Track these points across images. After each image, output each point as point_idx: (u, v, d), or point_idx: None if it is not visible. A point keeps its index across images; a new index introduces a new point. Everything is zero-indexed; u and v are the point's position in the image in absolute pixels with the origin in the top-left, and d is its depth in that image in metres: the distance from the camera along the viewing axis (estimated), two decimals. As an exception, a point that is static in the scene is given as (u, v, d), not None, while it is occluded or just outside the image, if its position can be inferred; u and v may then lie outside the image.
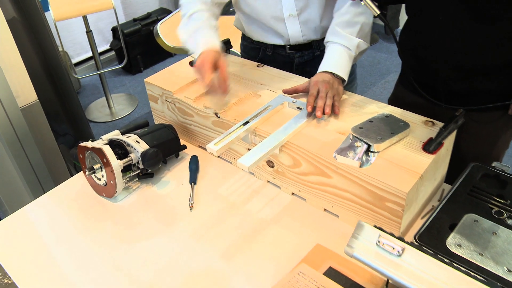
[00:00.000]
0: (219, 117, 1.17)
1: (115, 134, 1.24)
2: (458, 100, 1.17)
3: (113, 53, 3.83)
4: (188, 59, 1.44)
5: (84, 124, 2.55)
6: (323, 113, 1.10)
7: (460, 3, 1.04)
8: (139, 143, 1.19)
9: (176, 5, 4.17)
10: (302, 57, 1.45)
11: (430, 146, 0.99)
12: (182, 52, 1.98)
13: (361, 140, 1.00)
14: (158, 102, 1.37)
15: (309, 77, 1.33)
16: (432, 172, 1.01)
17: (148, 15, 3.68)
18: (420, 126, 1.07)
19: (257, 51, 1.49)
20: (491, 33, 1.05)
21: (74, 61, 3.65)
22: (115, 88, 3.51)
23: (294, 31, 1.38)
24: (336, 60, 1.21)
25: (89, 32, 3.01)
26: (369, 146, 0.99)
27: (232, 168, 1.24)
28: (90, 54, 3.68)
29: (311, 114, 1.11)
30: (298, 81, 1.28)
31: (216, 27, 1.30)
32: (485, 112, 1.17)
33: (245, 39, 1.53)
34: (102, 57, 3.78)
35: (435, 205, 1.08)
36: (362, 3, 1.06)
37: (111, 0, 2.78)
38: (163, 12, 3.76)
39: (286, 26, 1.37)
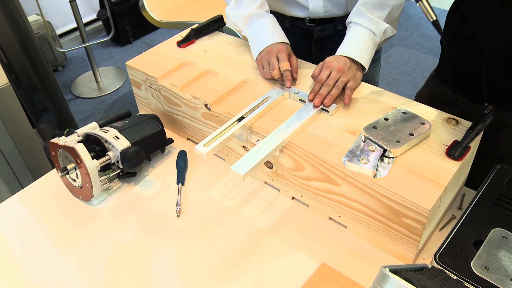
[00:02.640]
0: (209, 109, 1.02)
1: (92, 128, 1.09)
2: (501, 99, 1.03)
3: (100, 23, 3.62)
4: (175, 38, 1.28)
5: (62, 103, 2.37)
6: (323, 103, 0.96)
7: None
8: (118, 138, 1.04)
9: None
10: (323, 31, 1.30)
11: (455, 151, 0.85)
12: (170, 27, 1.81)
13: (375, 143, 0.85)
14: (142, 88, 1.21)
15: (329, 54, 1.21)
16: (456, 180, 0.87)
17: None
18: (442, 125, 0.92)
19: None
20: None
21: (59, 31, 3.43)
22: (103, 61, 3.32)
23: (316, 6, 1.24)
24: (358, 45, 1.06)
25: (72, 1, 2.81)
26: (384, 150, 0.84)
27: (224, 166, 1.10)
28: (75, 24, 3.47)
29: (317, 107, 0.96)
30: (301, 64, 1.12)
31: (269, 11, 1.21)
32: None
33: None
34: (88, 28, 3.57)
35: (455, 214, 0.95)
36: (418, 5, 0.91)
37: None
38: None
39: (308, 0, 1.23)
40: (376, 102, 0.99)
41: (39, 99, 2.22)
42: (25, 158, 1.52)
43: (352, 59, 1.04)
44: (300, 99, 1.00)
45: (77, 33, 3.51)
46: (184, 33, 1.28)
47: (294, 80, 1.07)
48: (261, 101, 0.98)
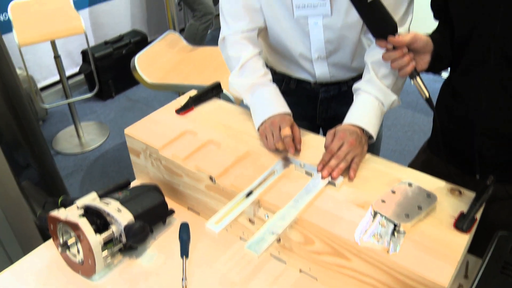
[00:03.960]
0: (215, 183, 1.02)
1: (91, 199, 1.07)
2: (494, 172, 1.06)
3: (82, 76, 3.62)
4: (173, 105, 1.29)
5: (47, 160, 2.33)
6: (330, 176, 0.97)
7: (508, 68, 0.95)
8: (120, 211, 1.02)
9: (149, 26, 4.00)
10: (328, 92, 1.34)
11: (463, 224, 0.87)
12: (161, 89, 1.83)
13: (386, 218, 0.86)
14: (141, 157, 1.20)
15: (333, 115, 1.28)
16: (465, 252, 0.88)
17: (120, 38, 3.50)
18: (446, 196, 0.94)
19: (279, 83, 1.34)
20: None
21: (40, 85, 3.42)
22: (84, 116, 3.30)
23: (322, 72, 1.29)
24: (368, 114, 1.09)
25: (57, 57, 2.81)
26: (395, 225, 0.85)
27: (228, 237, 1.09)
28: (58, 77, 3.46)
29: (324, 178, 0.97)
30: (304, 134, 1.14)
31: (272, 80, 1.24)
32: None
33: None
34: (70, 81, 3.57)
35: (462, 283, 0.96)
36: (412, 83, 0.95)
37: (82, 23, 2.59)
38: (136, 35, 3.59)
39: (314, 67, 1.28)
40: (380, 173, 1.01)
41: (22, 155, 2.18)
42: (13, 227, 1.46)
43: (363, 129, 1.06)
44: (306, 172, 1.01)
45: (59, 86, 3.51)
46: (183, 99, 1.29)
47: (297, 151, 1.08)
48: (267, 174, 0.99)
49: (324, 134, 1.52)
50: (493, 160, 1.07)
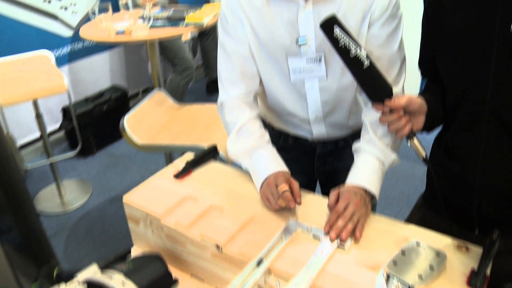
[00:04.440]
0: (221, 251, 1.00)
1: (93, 272, 1.03)
2: (493, 227, 1.08)
3: (62, 133, 3.58)
4: (169, 169, 1.28)
5: (33, 219, 2.26)
6: (339, 237, 0.97)
7: (501, 129, 0.99)
8: (125, 284, 0.99)
9: (129, 81, 4.02)
10: (325, 148, 1.37)
11: (476, 281, 0.87)
12: (152, 150, 1.83)
13: (401, 281, 0.86)
14: (140, 225, 1.18)
15: (330, 169, 1.33)
16: (479, 310, 0.88)
17: (101, 94, 3.50)
18: (454, 253, 0.95)
19: (277, 139, 1.38)
20: None
21: (19, 142, 3.36)
22: (65, 173, 3.24)
23: (319, 132, 1.32)
24: (370, 175, 1.12)
25: (39, 116, 2.78)
26: (410, 287, 0.85)
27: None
28: (37, 135, 3.42)
29: (333, 239, 0.97)
30: (305, 196, 1.14)
31: (269, 141, 1.26)
32: None
33: (265, 124, 1.39)
34: (50, 138, 3.52)
35: None
36: (409, 144, 0.98)
37: (65, 82, 2.58)
38: (116, 90, 3.60)
39: (311, 127, 1.31)
40: (385, 233, 1.02)
41: (6, 218, 2.10)
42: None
43: (365, 190, 1.08)
44: (314, 235, 1.00)
45: (38, 144, 3.46)
46: (180, 163, 1.29)
47: (298, 203, 1.08)
48: (275, 240, 0.98)
49: (322, 188, 1.53)
50: (492, 215, 1.09)
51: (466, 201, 1.10)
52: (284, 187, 1.08)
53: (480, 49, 0.97)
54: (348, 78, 1.18)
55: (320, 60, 1.17)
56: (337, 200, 1.06)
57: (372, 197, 1.10)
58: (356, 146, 1.19)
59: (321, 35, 1.07)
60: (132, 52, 3.99)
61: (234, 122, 1.25)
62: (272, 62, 1.21)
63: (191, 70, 3.46)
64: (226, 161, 1.67)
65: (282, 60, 1.19)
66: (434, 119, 1.09)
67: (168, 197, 1.17)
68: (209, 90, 4.21)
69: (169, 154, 2.44)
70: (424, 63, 1.18)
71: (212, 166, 1.30)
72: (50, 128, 3.54)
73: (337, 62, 1.14)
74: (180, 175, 1.25)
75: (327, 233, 0.99)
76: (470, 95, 1.02)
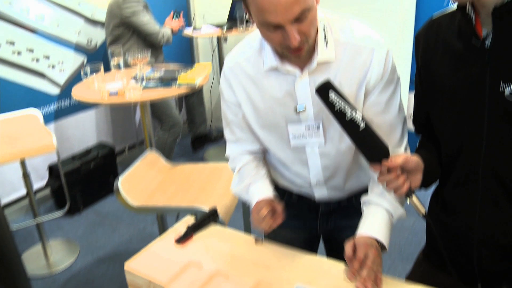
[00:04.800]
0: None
1: None
2: (497, 282, 1.10)
3: (48, 191, 3.53)
4: (171, 234, 1.28)
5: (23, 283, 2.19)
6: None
7: (498, 184, 1.02)
8: None
9: (115, 138, 4.03)
10: (328, 206, 1.39)
11: None
12: (148, 212, 1.82)
13: None
14: (143, 293, 1.17)
15: (333, 227, 1.39)
16: None
17: (88, 152, 3.49)
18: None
19: (281, 195, 1.42)
20: None
21: (3, 200, 3.30)
22: (51, 233, 3.17)
23: (321, 194, 1.35)
24: (382, 227, 1.15)
25: (26, 175, 2.75)
26: None
27: None
28: (21, 193, 3.36)
29: None
30: (302, 256, 1.15)
31: (266, 175, 1.35)
32: None
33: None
34: (36, 196, 3.47)
35: None
36: (408, 202, 1.01)
37: (54, 141, 2.58)
38: (103, 148, 3.59)
39: (313, 190, 1.34)
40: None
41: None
42: None
43: (378, 241, 1.11)
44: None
45: (23, 202, 3.40)
46: (180, 226, 1.29)
47: (278, 223, 1.19)
48: (284, 307, 0.98)
49: (325, 244, 1.56)
50: (493, 269, 1.10)
51: (466, 256, 1.12)
52: (262, 212, 1.18)
53: (472, 110, 1.01)
54: (346, 144, 1.22)
55: (318, 127, 1.21)
56: (354, 250, 1.08)
57: (382, 248, 1.14)
58: (366, 198, 1.24)
59: (319, 103, 1.12)
60: (118, 109, 4.02)
61: (233, 169, 1.38)
62: (272, 129, 1.26)
63: (179, 127, 3.49)
64: (224, 223, 1.68)
65: (282, 126, 1.24)
66: (431, 176, 1.13)
67: (171, 263, 1.16)
68: (194, 147, 4.24)
69: (160, 214, 2.43)
70: (418, 120, 1.23)
71: (213, 230, 1.31)
72: (35, 185, 3.49)
73: (335, 128, 1.18)
74: (182, 240, 1.25)
75: (351, 280, 1.03)
76: (465, 153, 1.06)
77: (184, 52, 4.60)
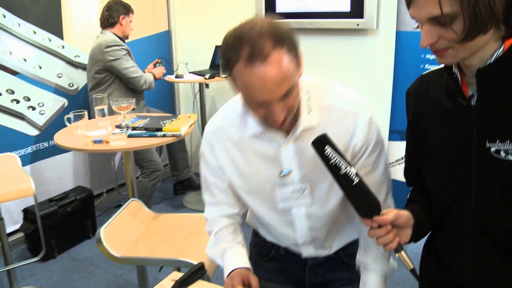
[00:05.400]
0: None
1: None
2: None
3: (20, 234, 3.43)
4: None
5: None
6: None
7: (488, 240, 1.03)
8: None
9: (93, 182, 3.97)
10: (316, 260, 1.40)
11: None
12: (131, 263, 1.79)
13: None
14: None
15: (321, 281, 1.39)
16: None
17: (66, 195, 3.43)
18: None
19: (269, 249, 1.43)
20: None
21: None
22: (22, 280, 3.06)
23: (308, 252, 1.36)
24: None
25: (0, 219, 2.68)
26: None
27: None
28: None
29: None
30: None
31: (242, 243, 1.34)
32: None
33: (258, 236, 1.47)
34: (8, 241, 3.35)
35: None
36: (397, 256, 1.04)
37: (32, 186, 2.53)
38: (81, 191, 3.54)
39: (300, 249, 1.36)
40: None
41: None
42: None
43: None
44: None
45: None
46: (166, 283, 1.28)
47: None
48: None
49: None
50: None
51: None
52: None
53: (460, 166, 1.04)
54: (332, 203, 1.25)
55: (304, 190, 1.23)
56: None
57: None
58: (362, 261, 1.27)
59: (304, 167, 1.16)
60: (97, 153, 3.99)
61: (210, 231, 1.36)
62: (257, 193, 1.29)
63: (159, 173, 3.48)
64: (209, 277, 1.66)
65: (267, 190, 1.26)
66: (421, 230, 1.15)
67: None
68: (176, 192, 4.21)
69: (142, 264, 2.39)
70: (410, 173, 1.26)
71: (200, 286, 1.30)
72: (8, 229, 3.39)
73: (322, 189, 1.22)
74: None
75: None
76: (454, 208, 1.08)
77: (165, 97, 4.63)
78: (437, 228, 1.16)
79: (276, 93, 1.02)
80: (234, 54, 1.00)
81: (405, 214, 1.08)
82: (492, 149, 0.97)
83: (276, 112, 1.05)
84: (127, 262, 1.76)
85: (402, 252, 1.06)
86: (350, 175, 1.01)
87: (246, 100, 1.09)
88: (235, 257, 1.27)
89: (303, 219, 1.27)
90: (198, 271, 1.32)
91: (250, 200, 1.31)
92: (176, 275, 1.32)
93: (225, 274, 1.24)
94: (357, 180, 1.01)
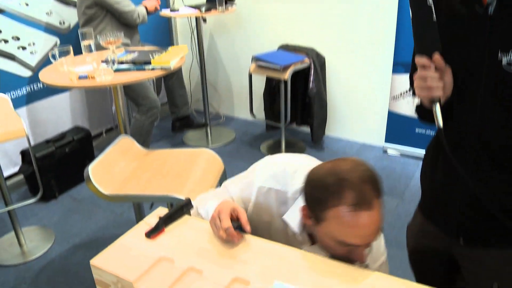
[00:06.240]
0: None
1: None
2: (476, 238, 1.17)
3: (21, 177, 3.42)
4: (141, 227, 1.21)
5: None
6: None
7: (483, 146, 1.05)
8: None
9: (91, 122, 3.91)
10: None
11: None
12: (120, 201, 1.74)
13: None
14: (112, 290, 1.10)
15: None
16: None
17: (62, 136, 3.37)
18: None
19: None
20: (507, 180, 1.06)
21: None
22: (25, 220, 3.07)
23: None
24: None
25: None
26: None
27: None
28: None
29: None
30: (281, 251, 1.10)
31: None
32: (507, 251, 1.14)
33: None
34: (8, 183, 3.35)
35: None
36: (434, 108, 1.03)
37: (24, 126, 2.47)
38: (79, 131, 3.48)
39: None
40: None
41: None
42: None
43: None
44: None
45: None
46: (151, 219, 1.22)
47: (248, 232, 1.13)
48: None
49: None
50: (474, 228, 1.16)
51: (449, 212, 1.18)
52: (225, 224, 1.11)
53: (470, 75, 1.03)
54: None
55: None
56: None
57: None
58: None
59: None
60: (93, 92, 3.90)
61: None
62: None
63: (156, 110, 3.39)
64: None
65: None
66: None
67: (141, 259, 1.09)
68: (174, 129, 4.14)
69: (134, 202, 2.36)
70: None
71: (186, 222, 1.24)
72: (7, 172, 3.38)
73: None
74: (152, 233, 1.18)
75: None
76: (457, 117, 1.08)
77: (162, 33, 4.46)
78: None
79: (371, 239, 1.04)
80: (336, 196, 1.01)
81: (451, 76, 1.04)
82: (504, 61, 0.95)
83: (362, 253, 1.06)
84: (117, 199, 1.71)
85: (438, 105, 1.02)
86: (433, 10, 0.97)
87: (332, 239, 1.05)
88: (219, 197, 1.27)
89: None
90: (184, 207, 1.26)
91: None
92: (162, 211, 1.26)
93: (210, 213, 1.20)
94: (435, 17, 0.98)
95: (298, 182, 1.19)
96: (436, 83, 1.01)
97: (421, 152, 2.97)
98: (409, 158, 3.50)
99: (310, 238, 1.20)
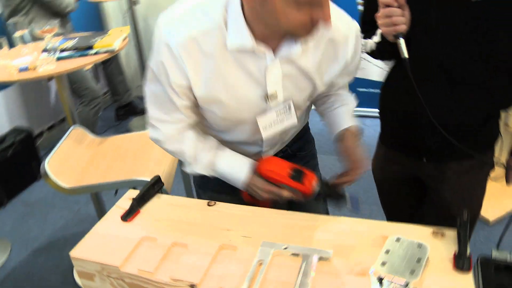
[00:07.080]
0: (199, 291, 0.92)
1: None
2: (437, 155, 1.28)
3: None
4: (115, 212, 1.16)
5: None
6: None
7: (439, 67, 1.15)
8: None
9: (31, 120, 3.70)
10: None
11: (463, 264, 0.87)
12: (83, 192, 1.66)
13: (395, 281, 0.84)
14: (96, 280, 1.05)
15: None
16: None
17: (2, 139, 3.18)
18: (431, 241, 0.95)
19: None
20: (465, 96, 1.17)
21: None
22: (-24, 233, 2.90)
23: (269, 153, 1.31)
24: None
25: None
26: (406, 284, 0.83)
27: None
28: None
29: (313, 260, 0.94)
30: (262, 214, 1.09)
31: (218, 144, 1.22)
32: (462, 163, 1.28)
33: None
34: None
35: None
36: (397, 42, 1.11)
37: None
38: (19, 132, 3.29)
39: (262, 153, 1.29)
40: (363, 235, 0.99)
41: None
42: None
43: None
44: (292, 254, 0.95)
45: None
46: (123, 202, 1.18)
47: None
48: (255, 267, 0.92)
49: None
50: (435, 146, 1.26)
51: (411, 136, 1.28)
52: (267, 188, 1.12)
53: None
54: (304, 110, 1.25)
55: (289, 107, 1.15)
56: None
57: None
58: (331, 106, 1.27)
59: (287, 87, 1.09)
60: (30, 88, 3.68)
61: (181, 153, 1.19)
62: (237, 125, 1.18)
63: (99, 100, 3.27)
64: (167, 191, 1.58)
65: (248, 120, 1.15)
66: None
67: (122, 242, 1.05)
68: (118, 117, 4.03)
69: (95, 192, 2.27)
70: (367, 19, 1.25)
71: (160, 200, 1.20)
72: None
73: (300, 102, 1.17)
74: (129, 216, 1.13)
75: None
76: (413, 40, 1.14)
77: (93, 19, 4.27)
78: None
79: None
80: None
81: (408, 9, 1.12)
82: None
83: (328, 13, 0.92)
84: (79, 191, 1.63)
85: (402, 39, 1.11)
86: None
87: (286, 3, 0.89)
88: (233, 162, 1.18)
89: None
90: (155, 185, 1.22)
91: (225, 135, 1.22)
92: (133, 193, 1.22)
93: (238, 182, 1.17)
94: None
95: (212, 12, 1.00)
96: (401, 18, 1.09)
97: (364, 110, 3.04)
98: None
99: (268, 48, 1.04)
